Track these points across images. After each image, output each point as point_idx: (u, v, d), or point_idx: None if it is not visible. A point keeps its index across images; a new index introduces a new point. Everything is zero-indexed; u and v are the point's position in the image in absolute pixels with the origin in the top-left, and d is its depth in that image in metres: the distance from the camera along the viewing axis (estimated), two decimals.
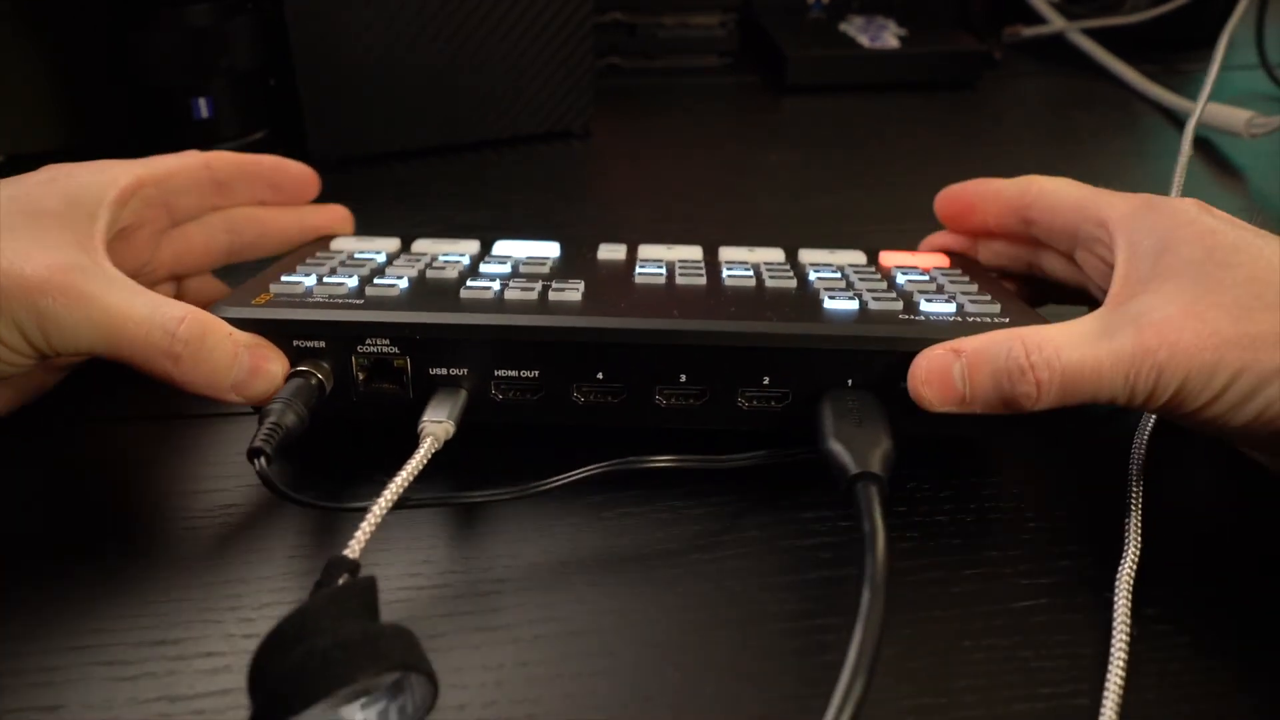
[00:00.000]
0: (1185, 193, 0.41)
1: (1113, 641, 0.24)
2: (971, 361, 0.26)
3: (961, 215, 0.36)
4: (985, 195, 0.35)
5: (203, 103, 0.47)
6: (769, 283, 0.32)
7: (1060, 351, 0.25)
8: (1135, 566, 0.26)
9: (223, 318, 0.28)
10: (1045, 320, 0.29)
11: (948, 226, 0.37)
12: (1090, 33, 0.69)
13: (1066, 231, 0.32)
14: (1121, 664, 0.24)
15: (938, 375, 0.27)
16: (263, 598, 0.26)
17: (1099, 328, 0.26)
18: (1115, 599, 0.25)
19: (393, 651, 0.20)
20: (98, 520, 0.28)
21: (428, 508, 0.28)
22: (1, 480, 0.30)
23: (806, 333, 0.28)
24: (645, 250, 0.35)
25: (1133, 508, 0.28)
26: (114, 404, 0.33)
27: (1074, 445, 0.33)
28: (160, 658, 0.24)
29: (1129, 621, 0.25)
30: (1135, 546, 0.27)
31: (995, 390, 0.26)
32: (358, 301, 0.29)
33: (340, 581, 0.23)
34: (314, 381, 0.28)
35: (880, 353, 0.28)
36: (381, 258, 0.34)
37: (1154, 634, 0.25)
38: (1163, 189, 0.41)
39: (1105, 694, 0.23)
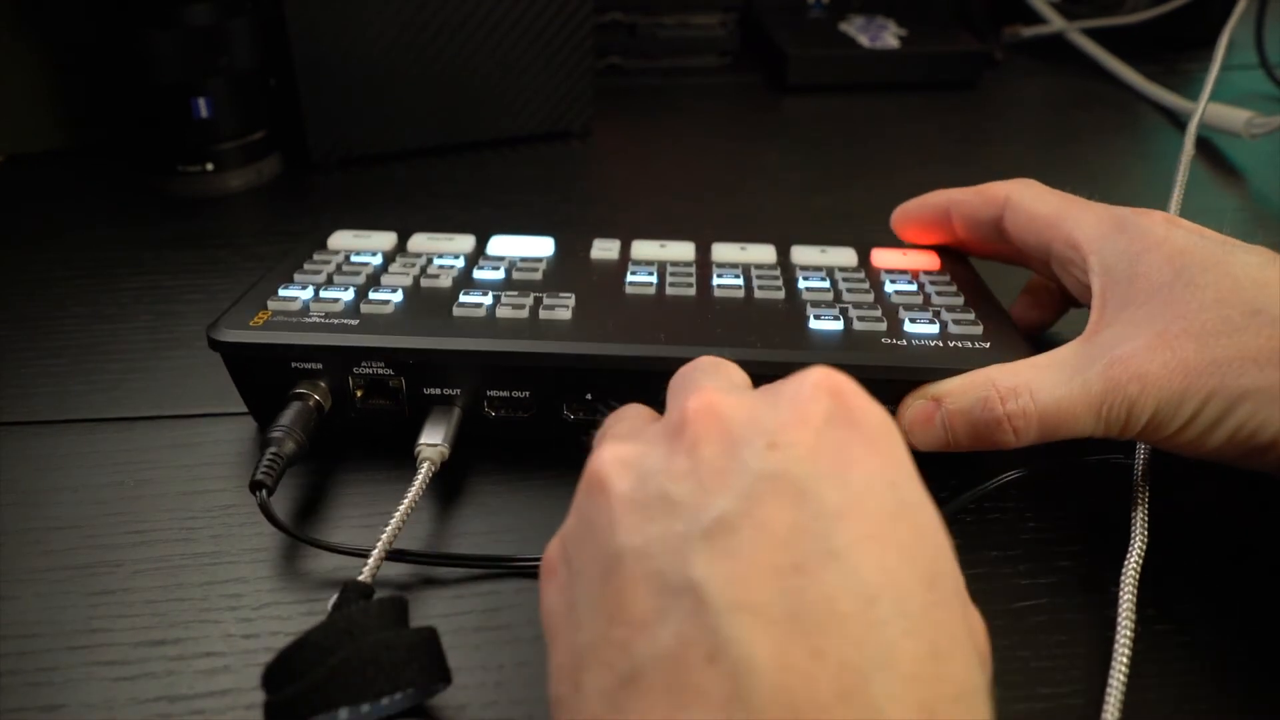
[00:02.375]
0: (1187, 193, 0.41)
1: (1116, 638, 0.24)
2: (950, 411, 0.27)
3: (925, 235, 0.36)
4: (951, 210, 0.34)
5: (202, 103, 0.47)
6: (758, 294, 0.32)
7: (1035, 395, 0.26)
8: (1140, 563, 0.26)
9: (222, 341, 0.29)
10: (1024, 342, 0.29)
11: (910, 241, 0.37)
12: (1090, 33, 0.69)
13: (1040, 248, 0.31)
14: (1125, 661, 0.23)
15: (921, 424, 0.28)
16: (262, 598, 0.26)
17: (1073, 363, 0.26)
18: (1120, 595, 0.25)
19: (423, 668, 0.21)
20: (98, 520, 0.28)
21: (425, 564, 0.27)
22: (1, 479, 0.30)
23: (789, 360, 0.28)
24: (638, 249, 0.35)
25: (1139, 504, 0.28)
26: (113, 404, 0.33)
27: (1074, 444, 0.33)
28: (160, 658, 0.24)
29: (1133, 618, 0.24)
30: (1141, 543, 0.27)
31: (975, 437, 0.27)
32: (353, 322, 0.29)
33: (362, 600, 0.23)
34: (312, 404, 0.29)
35: (861, 381, 0.28)
36: (378, 260, 0.34)
37: (1156, 633, 0.25)
38: (1164, 190, 0.41)
39: (1109, 691, 0.23)
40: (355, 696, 0.20)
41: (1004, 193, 0.32)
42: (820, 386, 0.19)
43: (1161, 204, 0.39)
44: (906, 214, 0.36)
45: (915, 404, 0.28)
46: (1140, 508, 0.28)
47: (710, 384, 0.20)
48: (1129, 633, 0.24)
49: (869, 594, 0.16)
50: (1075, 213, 0.30)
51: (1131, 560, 0.26)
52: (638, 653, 0.16)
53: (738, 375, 0.22)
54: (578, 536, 0.19)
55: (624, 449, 0.19)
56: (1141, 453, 0.29)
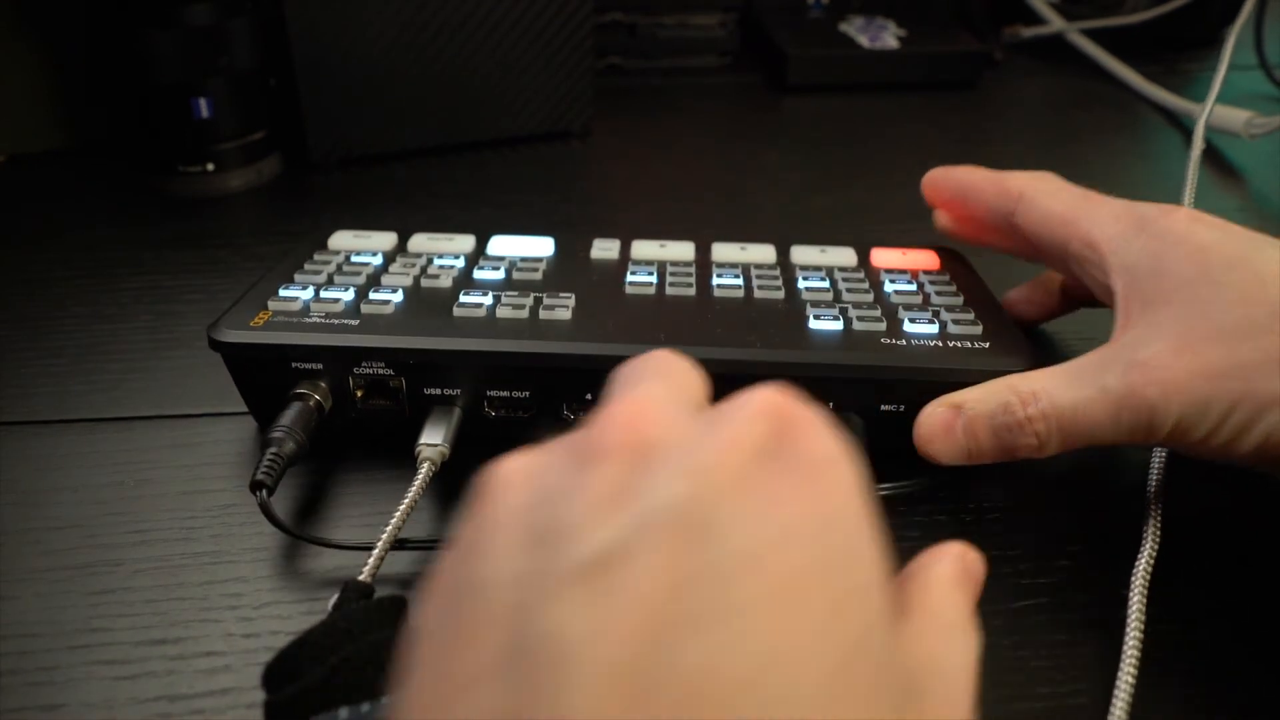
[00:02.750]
0: (1194, 192, 0.41)
1: (1125, 639, 0.24)
2: (970, 418, 0.27)
3: (949, 205, 0.35)
4: (969, 195, 0.33)
5: (203, 103, 0.47)
6: (757, 294, 0.32)
7: (1053, 399, 0.25)
8: (1151, 566, 0.26)
9: (222, 341, 0.29)
10: (1025, 342, 0.29)
11: (936, 210, 0.36)
12: (1090, 33, 0.69)
13: (1055, 246, 0.30)
14: (1134, 662, 0.23)
15: (941, 433, 0.27)
16: (262, 597, 0.26)
17: (1093, 368, 0.26)
18: (1130, 596, 0.25)
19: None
20: (98, 519, 0.28)
21: (428, 549, 0.27)
22: (1, 479, 0.30)
23: (789, 360, 0.28)
24: (638, 249, 0.35)
25: (1153, 507, 0.28)
26: (113, 404, 0.33)
27: None
28: (160, 657, 0.24)
29: (1142, 620, 0.24)
30: (1152, 547, 0.26)
31: (998, 445, 0.26)
32: (353, 322, 0.29)
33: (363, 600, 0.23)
34: (312, 404, 0.29)
35: (861, 380, 0.28)
36: (378, 260, 0.34)
37: (1161, 633, 0.25)
38: (1165, 190, 0.41)
39: (1116, 692, 0.23)
40: (355, 696, 0.20)
41: (1019, 188, 0.31)
42: (764, 410, 0.16)
43: (1195, 208, 0.39)
44: (934, 178, 0.35)
45: (935, 412, 0.27)
46: (1153, 511, 0.28)
47: (650, 388, 0.17)
48: (1138, 634, 0.24)
49: (754, 666, 0.13)
50: (1092, 211, 0.29)
51: (1142, 562, 0.26)
52: (457, 715, 0.13)
53: (691, 380, 0.19)
54: (454, 555, 0.16)
55: (528, 457, 0.17)
56: (1158, 456, 0.29)
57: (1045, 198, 0.31)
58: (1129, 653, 0.24)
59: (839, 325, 0.30)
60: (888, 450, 0.28)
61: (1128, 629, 0.24)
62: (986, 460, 0.27)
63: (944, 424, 0.27)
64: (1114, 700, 0.23)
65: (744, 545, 0.14)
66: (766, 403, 0.16)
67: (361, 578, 0.24)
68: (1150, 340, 0.25)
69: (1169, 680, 0.24)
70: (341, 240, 0.36)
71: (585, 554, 0.14)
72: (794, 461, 0.15)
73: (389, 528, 0.25)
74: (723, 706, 0.12)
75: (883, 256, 0.35)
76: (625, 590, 0.13)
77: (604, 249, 0.35)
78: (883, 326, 0.30)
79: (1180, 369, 0.24)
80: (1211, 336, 0.24)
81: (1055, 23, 0.70)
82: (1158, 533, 0.27)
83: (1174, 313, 0.25)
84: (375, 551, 0.25)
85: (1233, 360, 0.23)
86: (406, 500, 0.26)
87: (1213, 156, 0.55)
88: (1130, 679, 0.23)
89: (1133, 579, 0.25)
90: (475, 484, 0.17)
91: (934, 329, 0.30)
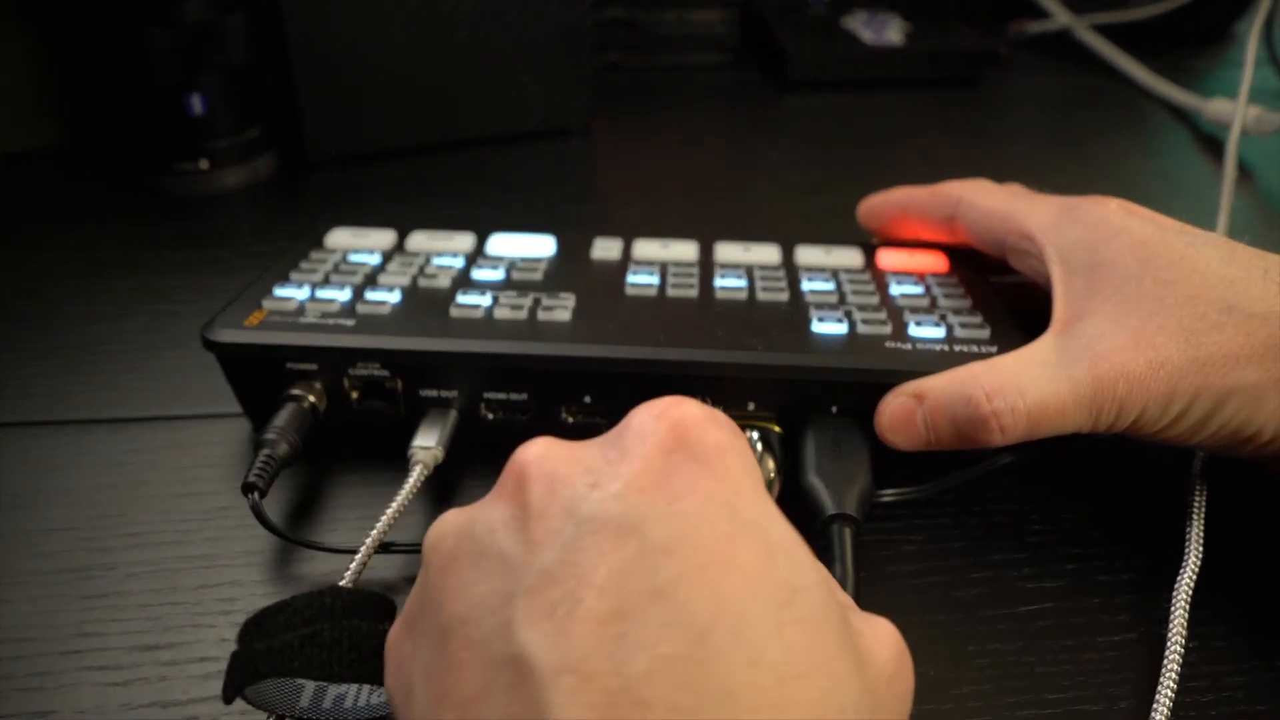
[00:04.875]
0: (1195, 192, 0.40)
1: (1166, 652, 0.23)
2: (932, 408, 0.27)
3: (888, 230, 0.36)
4: (909, 208, 0.35)
5: (196, 100, 0.46)
6: (760, 295, 0.32)
7: (1024, 392, 0.25)
8: (1196, 574, 0.25)
9: (216, 342, 0.28)
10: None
11: (876, 237, 0.37)
12: (1096, 28, 0.68)
13: (993, 242, 0.32)
14: (1175, 674, 0.23)
15: (901, 421, 0.27)
16: (256, 602, 0.26)
17: (1055, 358, 0.26)
18: (1172, 608, 0.24)
19: (346, 664, 0.20)
20: (92, 522, 0.28)
21: (414, 553, 0.27)
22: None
23: (790, 364, 0.28)
24: (639, 249, 0.35)
25: (1195, 511, 0.27)
26: (108, 404, 0.33)
27: (1075, 447, 0.32)
28: (153, 662, 0.24)
29: (1184, 634, 0.24)
30: (1196, 555, 0.26)
31: (958, 435, 0.26)
32: (349, 323, 0.29)
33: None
34: (306, 405, 0.28)
35: (864, 385, 0.28)
36: (376, 259, 0.33)
37: (1210, 648, 0.25)
38: (1172, 188, 0.40)
39: (1156, 704, 0.22)
40: (317, 672, 0.19)
41: (957, 193, 0.33)
42: (661, 417, 0.18)
43: (1204, 207, 0.38)
44: (870, 206, 0.36)
45: (895, 401, 0.27)
46: (1196, 517, 0.27)
47: (546, 443, 0.19)
48: (1179, 646, 0.23)
49: (699, 628, 0.15)
50: (1025, 205, 0.31)
51: (1187, 571, 0.25)
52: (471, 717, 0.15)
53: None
54: (416, 610, 0.18)
55: (463, 513, 0.19)
56: (1199, 457, 0.29)
57: (981, 198, 0.32)
58: (1169, 668, 0.23)
59: (843, 328, 0.29)
60: (893, 456, 0.27)
61: (1169, 643, 0.23)
62: (945, 449, 0.27)
63: (904, 413, 0.27)
64: (1154, 713, 0.22)
65: (660, 535, 0.16)
66: (663, 408, 0.18)
67: (343, 582, 0.24)
68: (1107, 333, 0.26)
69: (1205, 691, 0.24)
70: (339, 238, 0.35)
71: (532, 576, 0.16)
72: (687, 454, 0.17)
73: (374, 532, 0.25)
74: (677, 668, 0.14)
75: (889, 258, 0.35)
76: (569, 597, 0.15)
77: (605, 248, 0.35)
78: (888, 330, 0.29)
79: (1141, 363, 0.25)
80: (1165, 330, 0.25)
81: (1061, 18, 0.69)
82: (1201, 540, 0.26)
83: (1123, 306, 0.26)
84: (359, 556, 0.25)
85: (1189, 355, 0.24)
86: (396, 502, 0.26)
87: (1219, 151, 0.54)
88: (1170, 692, 0.22)
89: (1176, 588, 0.25)
90: (424, 545, 0.19)
91: (940, 332, 0.29)
